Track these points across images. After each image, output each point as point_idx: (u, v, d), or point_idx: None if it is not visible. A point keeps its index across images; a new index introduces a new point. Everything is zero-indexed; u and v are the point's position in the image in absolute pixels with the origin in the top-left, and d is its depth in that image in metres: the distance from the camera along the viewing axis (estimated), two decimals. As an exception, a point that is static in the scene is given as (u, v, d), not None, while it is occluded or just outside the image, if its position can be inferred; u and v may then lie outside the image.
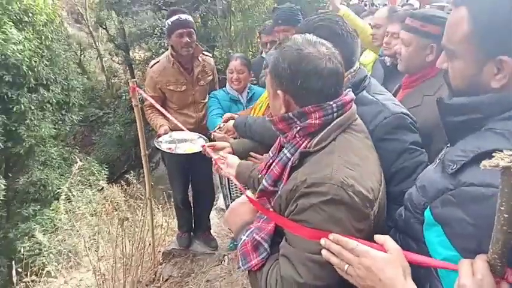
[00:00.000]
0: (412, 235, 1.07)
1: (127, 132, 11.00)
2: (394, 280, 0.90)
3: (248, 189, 1.68)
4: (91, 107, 11.70)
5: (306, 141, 1.14)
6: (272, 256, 1.18)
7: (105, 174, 8.12)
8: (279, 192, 1.17)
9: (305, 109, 1.12)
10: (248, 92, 2.96)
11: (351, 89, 1.25)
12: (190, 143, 2.63)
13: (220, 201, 3.18)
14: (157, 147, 2.68)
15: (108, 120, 11.56)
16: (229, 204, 3.05)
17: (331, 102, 1.12)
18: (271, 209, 1.21)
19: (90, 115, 11.50)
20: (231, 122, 2.30)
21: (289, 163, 1.14)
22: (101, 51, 13.73)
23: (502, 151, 0.72)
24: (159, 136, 2.75)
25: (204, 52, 3.23)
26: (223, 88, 3.00)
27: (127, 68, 13.19)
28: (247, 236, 1.22)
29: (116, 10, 12.30)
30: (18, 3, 8.34)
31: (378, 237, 0.98)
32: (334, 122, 1.13)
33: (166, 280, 3.41)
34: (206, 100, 3.15)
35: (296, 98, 1.14)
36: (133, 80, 2.86)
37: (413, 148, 1.38)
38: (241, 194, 2.57)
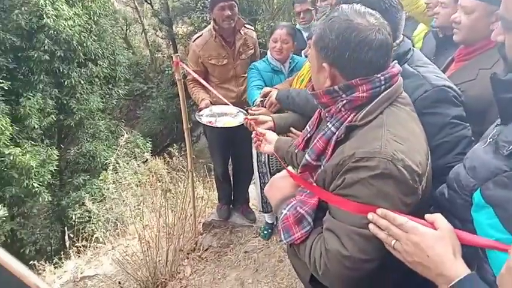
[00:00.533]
0: (458, 215, 1.04)
1: (169, 107, 11.24)
2: (443, 257, 0.88)
3: (288, 165, 1.68)
4: (136, 81, 12.03)
5: (352, 115, 1.11)
6: (315, 230, 1.19)
7: (149, 147, 8.41)
8: (323, 166, 1.15)
9: (352, 82, 1.09)
10: (290, 63, 2.89)
11: (396, 61, 1.20)
12: (230, 117, 2.65)
13: (256, 179, 3.21)
14: (198, 120, 2.72)
15: (151, 94, 11.86)
16: (266, 182, 3.08)
17: (379, 75, 1.09)
18: (314, 184, 1.20)
19: (135, 89, 11.85)
20: (274, 95, 2.28)
21: (334, 137, 1.12)
22: (145, 26, 13.98)
23: None
24: (200, 110, 2.80)
25: (246, 25, 3.19)
26: (264, 58, 2.94)
27: (170, 43, 13.37)
28: (288, 210, 1.22)
29: (160, -16, 12.42)
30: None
31: (428, 216, 0.95)
32: (382, 95, 1.09)
33: (206, 250, 3.53)
34: (247, 74, 3.13)
35: (343, 71, 1.11)
36: (176, 54, 2.89)
37: (455, 122, 1.32)
38: (281, 170, 2.58)
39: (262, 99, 2.40)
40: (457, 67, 1.88)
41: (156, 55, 13.50)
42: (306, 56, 2.98)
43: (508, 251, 0.82)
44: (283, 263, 3.13)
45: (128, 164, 4.87)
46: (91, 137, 8.61)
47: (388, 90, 1.10)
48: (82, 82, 8.45)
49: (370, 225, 0.99)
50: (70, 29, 7.96)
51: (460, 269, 0.88)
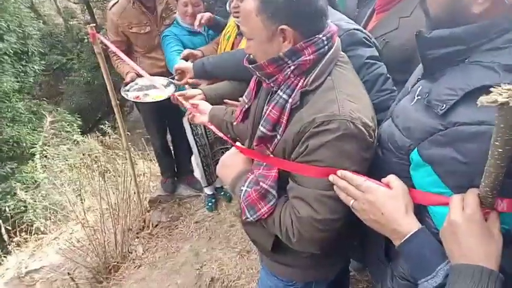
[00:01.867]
0: (393, 173, 1.07)
1: (95, 78, 10.42)
2: (396, 214, 0.94)
3: (225, 134, 1.64)
4: (52, 54, 10.92)
5: (302, 80, 1.10)
6: (280, 200, 1.20)
7: (78, 125, 7.87)
8: (280, 136, 1.15)
9: (296, 47, 1.08)
10: None
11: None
12: (159, 90, 2.48)
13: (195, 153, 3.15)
14: (125, 96, 2.54)
15: (73, 66, 10.88)
16: (206, 154, 3.03)
17: (321, 35, 1.09)
18: (271, 155, 1.19)
19: (53, 63, 10.80)
20: (190, 64, 2.17)
21: (288, 105, 1.11)
22: (53, -9, 12.60)
23: (493, 87, 0.69)
24: (126, 84, 2.61)
25: (166, -12, 2.98)
26: (174, 23, 2.80)
27: (85, 8, 12.20)
28: (248, 187, 1.22)
29: None
30: None
31: (384, 179, 1.01)
32: (327, 56, 1.10)
33: (156, 226, 3.47)
34: (162, 42, 2.93)
35: (301, 29, 1.08)
36: (91, 25, 2.62)
37: (370, 62, 1.40)
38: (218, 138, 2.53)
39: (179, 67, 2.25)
40: (378, 18, 1.90)
41: (71, 22, 12.27)
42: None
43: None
44: (235, 227, 3.17)
45: (56, 149, 4.53)
46: (11, 121, 7.81)
47: (332, 51, 1.12)
48: (-11, 62, 7.54)
49: (335, 187, 1.04)
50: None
51: (412, 225, 0.94)
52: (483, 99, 0.68)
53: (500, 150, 0.74)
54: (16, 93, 8.05)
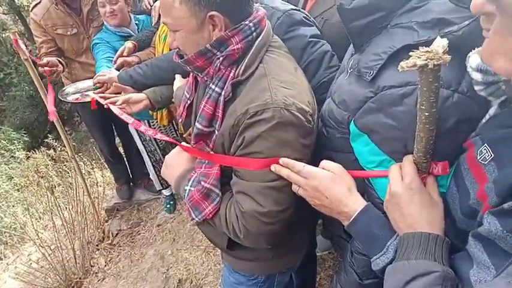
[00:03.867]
0: (339, 149, 1.07)
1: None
2: (339, 195, 0.93)
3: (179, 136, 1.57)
4: (-13, 70, 10.30)
5: (233, 71, 1.05)
6: (224, 197, 1.15)
7: (25, 141, 7.46)
8: (218, 131, 1.09)
9: (223, 35, 1.01)
10: (137, 24, 2.62)
11: (258, 3, 1.13)
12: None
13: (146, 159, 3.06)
14: (63, 100, 2.44)
15: (12, 81, 10.25)
16: (158, 159, 2.94)
17: (247, 22, 1.03)
18: (211, 152, 1.14)
19: (-10, 79, 10.17)
20: (113, 75, 2.03)
21: (221, 98, 1.06)
22: (-21, 3, 11.76)
23: (414, 46, 0.71)
24: (63, 91, 2.49)
25: (91, -13, 2.81)
26: (103, 29, 2.58)
27: (16, 18, 11.50)
28: (191, 186, 1.16)
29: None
30: None
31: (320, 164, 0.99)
32: (256, 43, 1.05)
33: (117, 235, 3.35)
34: (92, 50, 2.76)
35: (230, 15, 1.01)
36: (13, 31, 2.45)
37: (313, 41, 1.37)
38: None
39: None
40: None
41: (4, 35, 11.55)
42: None
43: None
44: (198, 225, 3.10)
45: (-1, 169, 4.26)
46: (-51, 147, 7.32)
47: (261, 37, 1.07)
48: None
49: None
50: None
51: (357, 203, 0.93)
52: (403, 64, 0.67)
53: (427, 113, 0.73)
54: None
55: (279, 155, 1.00)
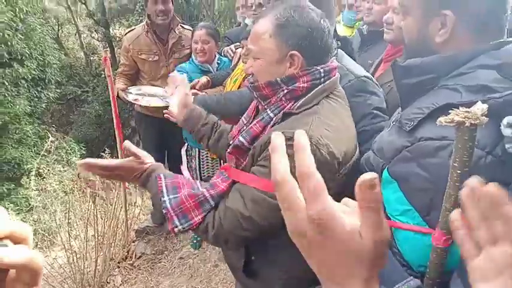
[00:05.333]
0: None
1: (106, 112, 10.65)
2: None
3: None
4: (69, 84, 11.31)
5: (291, 104, 1.13)
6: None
7: (82, 154, 7.93)
8: (255, 144, 1.15)
9: (293, 74, 1.11)
10: (218, 63, 2.85)
11: (335, 57, 1.24)
12: (158, 99, 2.67)
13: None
14: (125, 96, 2.70)
15: (87, 98, 11.21)
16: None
17: (319, 68, 1.12)
18: (233, 166, 1.19)
19: (68, 93, 11.14)
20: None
21: (271, 122, 1.14)
22: (80, 27, 13.25)
23: (456, 105, 0.74)
24: (127, 89, 2.81)
25: (183, 25, 3.14)
26: (190, 60, 2.88)
27: (107, 45, 12.75)
28: (171, 195, 1.14)
29: (96, -16, 11.89)
30: (-12, -28, 7.94)
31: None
32: (319, 87, 1.13)
33: (139, 257, 3.37)
34: None
35: (308, 57, 1.13)
36: (105, 49, 2.78)
37: (375, 113, 1.40)
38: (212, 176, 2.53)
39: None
40: (385, 67, 1.97)
41: (92, 58, 12.82)
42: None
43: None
44: (218, 267, 3.07)
45: (53, 169, 4.54)
46: (17, 143, 7.93)
47: (326, 83, 1.14)
48: (6, 84, 7.78)
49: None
50: (-8, 27, 7.34)
51: None
52: (442, 119, 0.71)
53: (458, 171, 0.74)
54: (27, 117, 8.23)
55: None
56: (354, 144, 1.19)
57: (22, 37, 8.30)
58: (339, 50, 1.58)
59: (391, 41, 1.94)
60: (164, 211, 1.13)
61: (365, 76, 1.45)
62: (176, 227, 1.15)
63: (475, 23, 0.95)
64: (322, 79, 1.13)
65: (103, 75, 10.97)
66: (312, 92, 1.12)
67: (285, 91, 1.12)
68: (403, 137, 0.93)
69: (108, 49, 2.70)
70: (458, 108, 0.70)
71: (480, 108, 0.70)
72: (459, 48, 0.96)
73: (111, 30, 12.71)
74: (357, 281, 0.42)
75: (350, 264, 0.42)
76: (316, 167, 0.99)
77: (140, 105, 2.80)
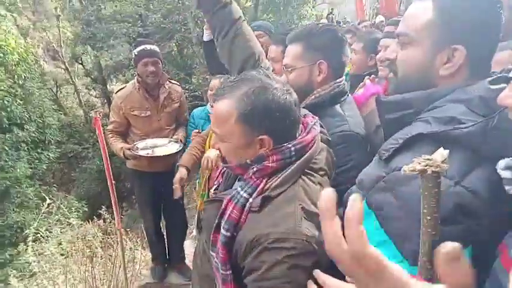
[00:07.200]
0: None
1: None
2: None
3: None
4: (70, 143, 11.48)
5: (264, 181, 1.10)
6: None
7: (84, 211, 7.89)
8: (238, 236, 1.09)
9: (262, 153, 1.09)
10: None
11: (317, 122, 1.23)
12: (165, 147, 2.87)
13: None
14: (135, 154, 2.80)
15: (87, 155, 11.34)
16: None
17: (290, 145, 1.10)
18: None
19: (69, 151, 11.28)
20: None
21: (248, 205, 1.08)
22: (78, 86, 13.64)
23: (426, 135, 0.85)
24: (134, 146, 2.89)
25: (170, 80, 3.23)
26: (204, 108, 3.19)
27: (105, 101, 13.10)
28: None
29: (91, 45, 12.33)
30: (-11, 45, 8.27)
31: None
32: (293, 166, 1.10)
33: (141, 316, 3.26)
34: (173, 126, 3.13)
35: (276, 137, 1.10)
36: (96, 110, 2.84)
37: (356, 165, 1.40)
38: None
39: None
40: None
41: (91, 114, 13.09)
42: None
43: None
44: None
45: (51, 232, 4.50)
46: (18, 207, 7.92)
47: (300, 161, 1.11)
48: (7, 148, 7.90)
49: None
50: (-9, 95, 7.55)
51: None
52: (405, 167, 0.72)
53: (428, 217, 0.73)
54: (28, 179, 8.27)
55: (297, 279, 0.99)
56: None
57: (21, 102, 8.52)
58: (349, 96, 1.62)
59: (386, 77, 2.03)
60: None
61: (358, 133, 1.47)
62: None
63: (479, 61, 0.99)
64: (294, 157, 1.10)
65: (102, 130, 11.12)
66: (287, 173, 1.09)
67: (255, 169, 1.09)
68: (381, 167, 0.96)
69: (100, 110, 2.76)
70: (429, 138, 0.78)
71: (440, 155, 0.71)
72: (456, 82, 0.99)
73: (108, 86, 13.08)
74: None
75: None
76: (310, 258, 0.99)
77: (140, 155, 2.86)
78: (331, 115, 1.50)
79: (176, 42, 11.70)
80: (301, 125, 1.18)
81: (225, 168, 1.35)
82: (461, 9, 0.96)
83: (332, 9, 16.31)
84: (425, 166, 0.70)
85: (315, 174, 1.15)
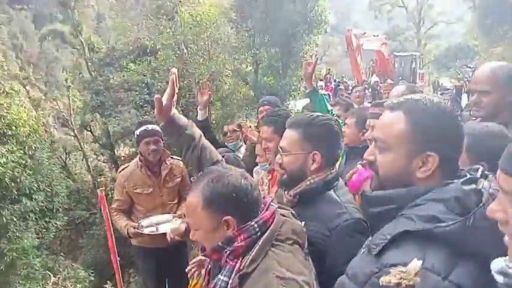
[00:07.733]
0: None
1: (115, 231, 10.69)
2: None
3: None
4: (77, 209, 11.50)
5: (239, 261, 1.21)
6: None
7: (90, 281, 7.74)
8: None
9: (230, 235, 1.22)
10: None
11: (274, 200, 1.34)
12: (168, 223, 2.94)
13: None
14: (140, 232, 2.85)
15: (95, 220, 11.30)
16: None
17: (253, 223, 1.23)
18: None
19: (77, 218, 11.27)
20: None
21: (229, 287, 1.20)
22: (87, 152, 13.93)
23: (412, 232, 0.96)
24: (139, 225, 2.95)
25: (172, 156, 3.36)
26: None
27: (113, 166, 13.30)
28: None
29: (100, 112, 12.77)
30: (3, 119, 8.59)
31: None
32: (260, 241, 1.22)
33: None
34: (175, 201, 3.21)
35: (241, 218, 1.25)
36: (100, 189, 2.92)
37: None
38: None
39: None
40: None
41: (99, 179, 13.24)
42: None
43: None
44: None
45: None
46: (24, 279, 7.78)
47: (266, 235, 1.24)
48: (15, 219, 7.93)
49: None
50: (2, 167, 7.72)
51: None
52: (382, 279, 0.80)
53: None
54: (35, 250, 8.20)
55: None
56: (310, 280, 1.23)
57: (31, 172, 8.68)
58: (339, 182, 1.71)
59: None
60: None
61: (359, 218, 1.52)
62: None
63: (449, 164, 1.11)
64: (259, 233, 1.23)
65: (110, 195, 11.19)
66: (256, 248, 1.21)
67: (228, 252, 1.22)
68: (372, 262, 1.04)
69: (103, 188, 2.86)
70: (414, 234, 0.90)
71: (414, 267, 0.79)
72: (433, 183, 1.10)
73: (115, 151, 13.34)
74: None
75: None
76: None
77: (144, 233, 2.92)
78: (327, 202, 1.57)
79: (181, 107, 12.11)
80: (262, 205, 1.31)
81: (210, 266, 1.46)
82: (431, 122, 1.09)
83: (329, 69, 17.00)
84: (400, 279, 0.78)
85: (283, 244, 1.26)
